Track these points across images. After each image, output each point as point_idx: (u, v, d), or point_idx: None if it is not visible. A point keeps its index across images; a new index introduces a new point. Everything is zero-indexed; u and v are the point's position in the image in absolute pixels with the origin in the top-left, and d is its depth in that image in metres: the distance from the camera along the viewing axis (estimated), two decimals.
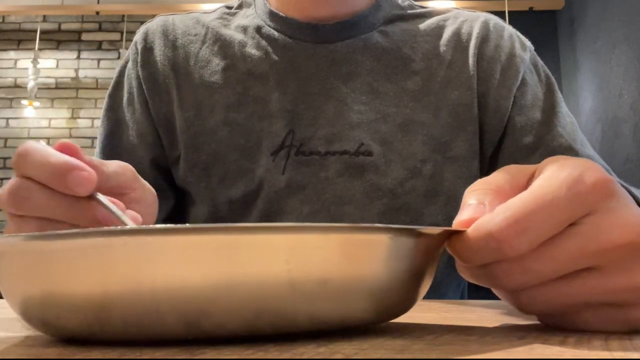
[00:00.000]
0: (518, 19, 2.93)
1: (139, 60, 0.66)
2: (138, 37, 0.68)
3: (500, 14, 2.74)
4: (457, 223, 0.28)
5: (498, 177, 0.30)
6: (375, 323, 0.27)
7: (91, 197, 0.33)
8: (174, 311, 0.21)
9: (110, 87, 0.69)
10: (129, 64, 0.67)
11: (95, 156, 0.64)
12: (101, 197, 0.34)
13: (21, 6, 3.34)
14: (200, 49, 0.65)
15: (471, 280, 0.30)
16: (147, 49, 0.66)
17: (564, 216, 0.25)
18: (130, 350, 0.21)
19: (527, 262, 0.26)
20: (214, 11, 0.70)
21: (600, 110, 2.65)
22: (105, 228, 0.21)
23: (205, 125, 0.63)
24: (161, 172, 0.66)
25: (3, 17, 3.62)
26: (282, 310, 0.22)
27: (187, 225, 0.21)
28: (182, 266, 0.21)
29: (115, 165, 0.38)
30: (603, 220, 0.26)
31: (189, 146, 0.63)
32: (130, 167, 0.40)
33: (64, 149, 0.35)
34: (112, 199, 0.35)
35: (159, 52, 0.66)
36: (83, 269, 0.22)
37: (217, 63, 0.64)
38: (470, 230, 0.26)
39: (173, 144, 0.64)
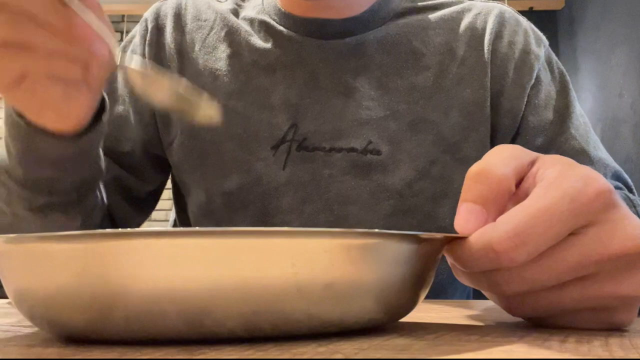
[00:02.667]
0: None
1: (147, 37, 0.65)
2: (149, 15, 0.67)
3: None
4: (459, 230, 0.28)
5: (505, 167, 0.29)
6: (377, 325, 0.27)
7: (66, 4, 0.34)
8: (182, 315, 0.22)
9: None
10: (136, 39, 0.66)
11: None
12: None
13: None
14: (208, 34, 0.64)
15: (468, 284, 0.30)
16: (158, 29, 0.65)
17: (564, 228, 0.26)
18: (130, 350, 0.21)
19: (527, 272, 0.26)
20: (226, 1, 0.68)
21: (600, 110, 2.65)
22: (117, 231, 0.21)
23: None
24: (150, 157, 0.65)
25: None
26: (288, 312, 0.23)
27: (195, 228, 0.21)
28: (189, 269, 0.21)
29: None
30: (603, 231, 0.26)
31: (185, 132, 0.61)
32: None
33: None
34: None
35: (169, 35, 0.65)
36: (90, 270, 0.22)
37: (222, 50, 0.63)
38: (471, 239, 0.27)
39: (168, 128, 0.63)
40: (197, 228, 0.22)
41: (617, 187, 0.59)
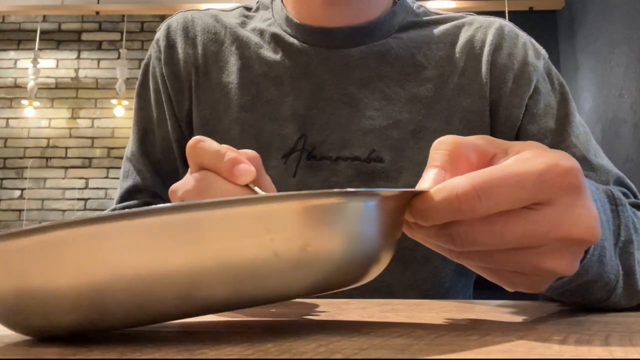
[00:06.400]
0: (518, 19, 2.93)
1: (162, 57, 0.67)
2: (160, 34, 0.69)
3: (500, 14, 2.74)
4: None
5: (467, 143, 0.31)
6: (354, 281, 0.28)
7: (248, 186, 0.38)
8: (166, 287, 0.22)
9: (137, 87, 0.70)
10: (153, 62, 0.68)
11: (133, 155, 0.68)
12: (256, 188, 0.38)
13: (21, 6, 3.34)
14: (220, 49, 0.66)
15: (422, 241, 0.32)
16: (170, 46, 0.67)
17: (525, 196, 0.28)
18: (130, 350, 0.21)
19: (478, 234, 0.28)
20: (232, 10, 0.70)
21: (600, 110, 2.65)
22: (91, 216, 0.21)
23: (219, 124, 0.64)
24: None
25: (3, 17, 3.62)
26: (270, 277, 0.23)
27: (170, 204, 0.22)
28: (169, 245, 0.21)
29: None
30: (558, 213, 0.28)
31: None
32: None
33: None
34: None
35: (181, 49, 0.67)
36: (74, 260, 0.22)
37: (233, 63, 0.65)
38: (434, 190, 0.28)
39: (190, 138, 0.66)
40: (171, 204, 0.22)
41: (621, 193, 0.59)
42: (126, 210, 0.21)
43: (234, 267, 0.22)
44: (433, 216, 0.29)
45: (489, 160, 0.31)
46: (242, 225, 0.22)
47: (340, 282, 0.26)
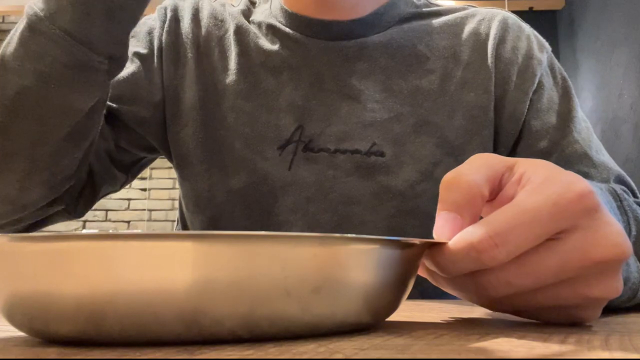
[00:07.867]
0: None
1: (166, 26, 0.65)
2: (168, 4, 0.67)
3: None
4: (437, 238, 0.29)
5: (478, 177, 0.30)
6: (362, 326, 0.27)
7: None
8: (173, 315, 0.22)
9: None
10: (156, 23, 0.66)
11: None
12: None
13: (21, 6, 3.34)
14: (224, 35, 0.66)
15: (449, 290, 0.31)
16: (176, 19, 0.66)
17: (544, 231, 0.27)
18: (130, 350, 0.21)
19: (512, 277, 0.27)
20: (238, 5, 0.70)
21: (600, 110, 2.65)
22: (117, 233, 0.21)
23: (217, 110, 0.62)
24: (140, 136, 0.64)
25: (3, 17, 3.62)
26: (279, 314, 0.23)
27: (189, 232, 0.22)
28: (183, 273, 0.21)
29: None
30: (584, 238, 0.27)
31: (197, 124, 0.62)
32: None
33: None
34: None
35: (187, 26, 0.66)
36: (82, 272, 0.22)
37: (233, 50, 0.64)
38: (451, 243, 0.28)
39: (176, 117, 0.63)
40: (190, 232, 0.22)
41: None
42: (142, 231, 0.21)
43: (244, 298, 0.22)
44: (453, 269, 0.28)
45: (499, 183, 0.31)
46: (257, 259, 0.22)
47: (350, 327, 0.26)
